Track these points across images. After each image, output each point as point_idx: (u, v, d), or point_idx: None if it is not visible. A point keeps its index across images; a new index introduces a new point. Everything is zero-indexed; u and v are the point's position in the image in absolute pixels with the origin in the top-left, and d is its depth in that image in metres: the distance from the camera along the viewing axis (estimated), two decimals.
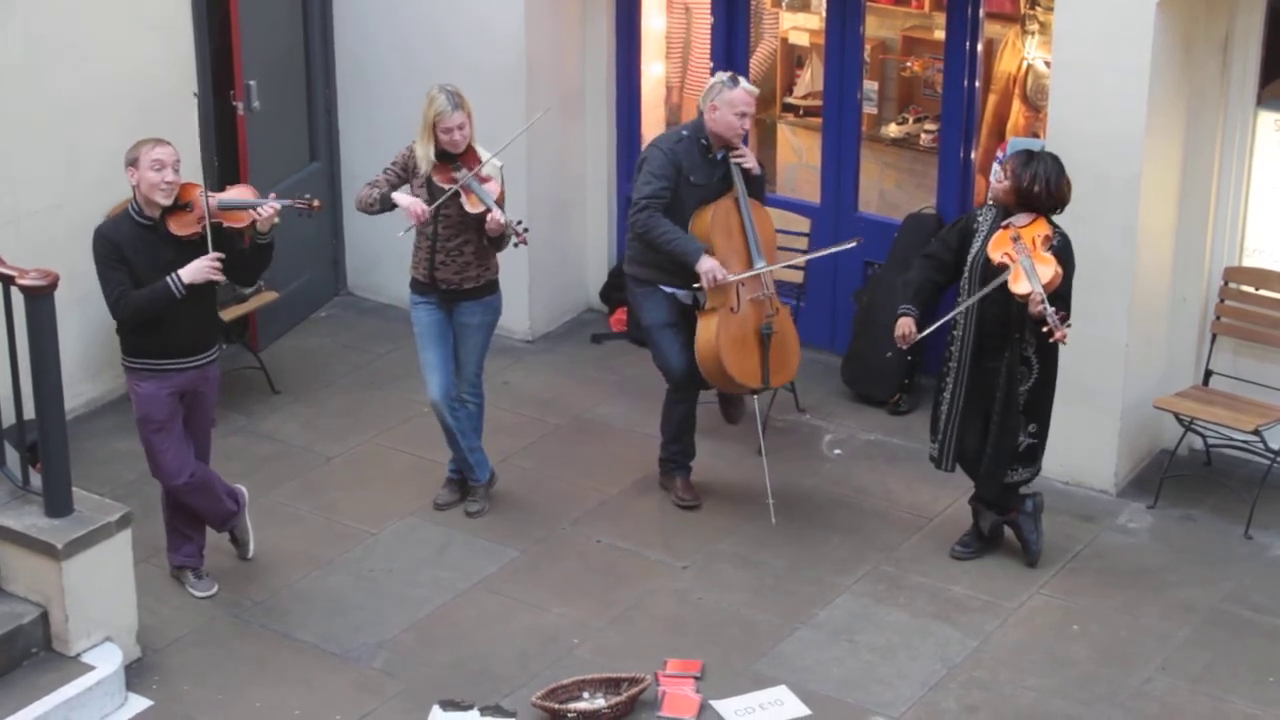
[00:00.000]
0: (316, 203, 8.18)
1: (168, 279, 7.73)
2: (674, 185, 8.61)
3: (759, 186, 8.83)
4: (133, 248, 7.77)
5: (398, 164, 8.59)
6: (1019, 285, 7.90)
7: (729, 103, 8.56)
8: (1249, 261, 9.19)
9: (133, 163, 7.76)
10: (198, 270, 7.74)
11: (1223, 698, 7.72)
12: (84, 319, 9.67)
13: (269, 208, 7.89)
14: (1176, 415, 9.05)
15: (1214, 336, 9.20)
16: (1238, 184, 9.09)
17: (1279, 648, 8.03)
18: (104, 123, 9.64)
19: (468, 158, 8.43)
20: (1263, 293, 9.08)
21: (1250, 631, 8.15)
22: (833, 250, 9.10)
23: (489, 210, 8.33)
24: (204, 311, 7.96)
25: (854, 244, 8.94)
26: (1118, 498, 9.16)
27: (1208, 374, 9.22)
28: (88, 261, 9.63)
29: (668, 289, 8.73)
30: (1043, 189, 8.03)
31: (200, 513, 8.28)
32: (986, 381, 8.30)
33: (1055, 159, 8.11)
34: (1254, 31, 8.85)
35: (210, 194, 7.84)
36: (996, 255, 8.03)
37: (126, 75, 9.72)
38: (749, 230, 8.67)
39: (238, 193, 8.06)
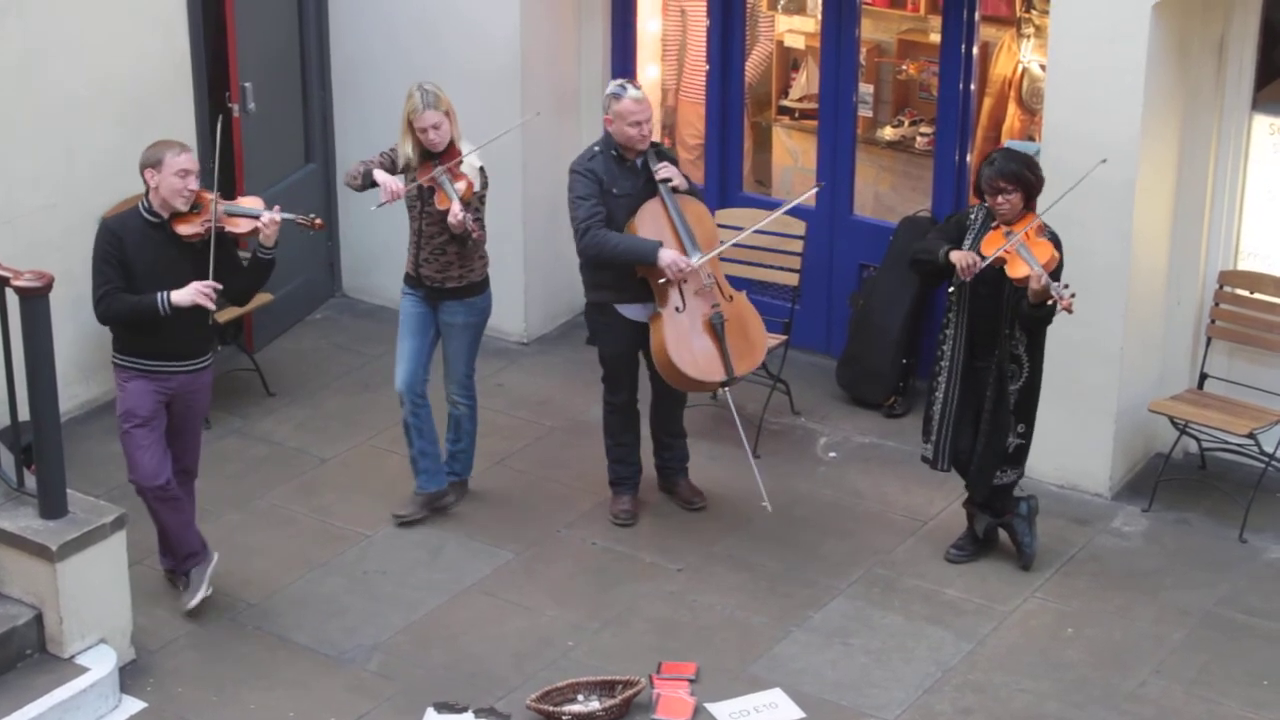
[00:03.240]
0: (319, 221, 8.16)
1: (157, 295, 7.69)
2: (603, 202, 8.55)
3: (694, 191, 8.73)
4: (136, 244, 7.76)
5: (394, 150, 8.65)
6: (1017, 270, 7.95)
7: (619, 114, 8.48)
8: (1244, 265, 9.20)
9: (154, 164, 7.73)
10: (188, 294, 7.71)
11: (1217, 701, 7.72)
12: (79, 320, 9.66)
13: (270, 217, 7.86)
14: (1171, 419, 9.06)
15: (1209, 340, 9.21)
16: (1233, 187, 9.09)
17: (1274, 651, 8.04)
18: (100, 122, 9.64)
19: (448, 156, 8.49)
20: (1257, 296, 9.08)
21: (1245, 635, 8.16)
22: (791, 205, 9.12)
23: (451, 205, 8.41)
24: (198, 318, 7.89)
25: (815, 189, 9.05)
26: (1112, 501, 9.17)
27: (1202, 377, 9.22)
28: (83, 261, 9.65)
29: (624, 310, 8.68)
30: (1035, 171, 8.13)
31: (163, 528, 8.12)
32: (978, 381, 8.33)
33: (1004, 151, 8.29)
34: (1249, 34, 8.86)
35: (220, 199, 7.84)
36: (991, 251, 8.06)
37: (123, 75, 9.72)
38: (678, 225, 8.55)
39: (247, 202, 8.04)
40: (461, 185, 8.47)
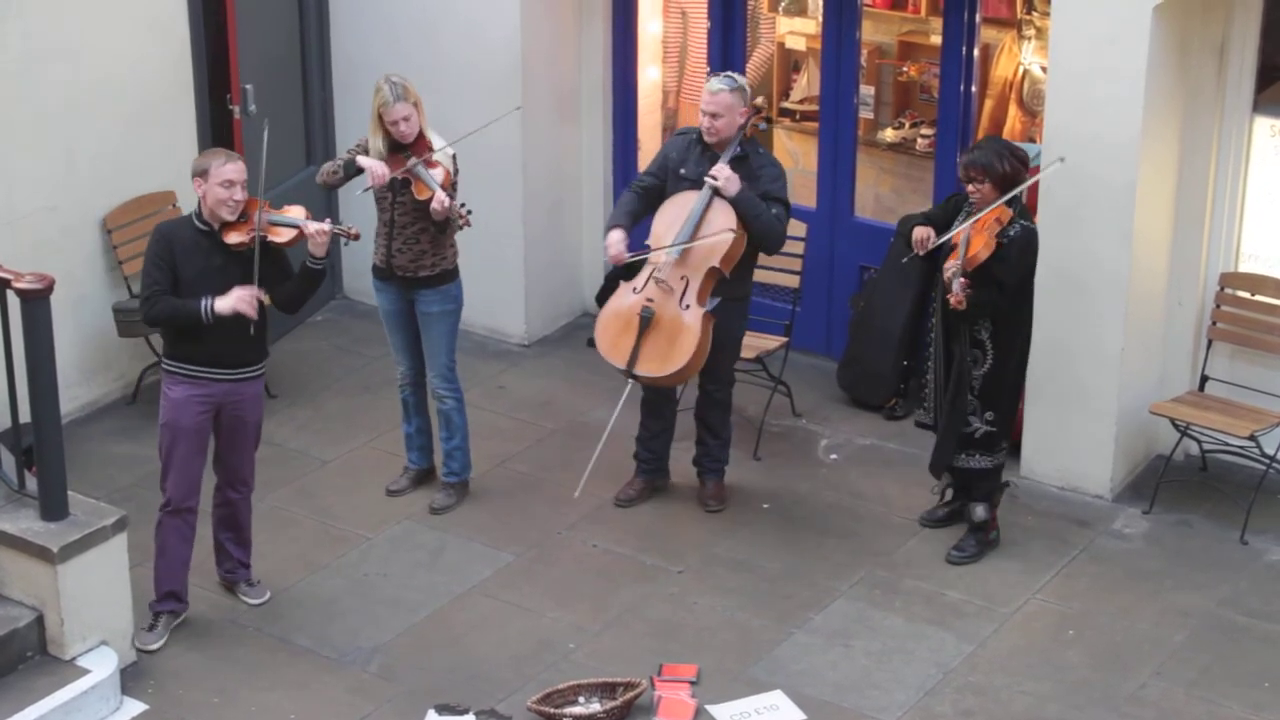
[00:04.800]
0: (355, 231, 8.15)
1: (201, 302, 7.69)
2: (661, 175, 8.72)
3: (744, 208, 8.50)
4: (184, 250, 7.75)
5: (362, 145, 8.70)
6: (955, 255, 8.15)
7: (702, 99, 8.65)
8: (1245, 267, 9.20)
9: (201, 174, 7.73)
10: (230, 302, 7.69)
11: (1218, 702, 7.72)
12: (80, 322, 9.68)
13: (317, 228, 7.83)
14: (1172, 420, 9.05)
15: (1210, 342, 9.21)
16: (1234, 189, 9.09)
17: (1274, 652, 8.04)
18: (100, 124, 9.64)
19: (418, 146, 8.55)
20: (1258, 298, 9.08)
21: (1246, 636, 8.16)
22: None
23: (434, 194, 8.42)
24: (244, 325, 7.81)
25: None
26: (1113, 503, 9.16)
27: (1203, 379, 9.22)
28: (84, 264, 9.69)
29: None
30: (1009, 163, 8.20)
31: (162, 550, 8.06)
32: (950, 363, 8.48)
33: (987, 139, 8.54)
34: (1250, 36, 8.85)
35: (266, 208, 7.84)
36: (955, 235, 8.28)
37: (123, 76, 9.72)
38: (688, 221, 8.54)
39: (294, 212, 8.02)
40: (439, 173, 8.54)
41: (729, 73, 8.82)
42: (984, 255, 8.08)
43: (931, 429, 8.84)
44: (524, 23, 10.29)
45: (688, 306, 8.60)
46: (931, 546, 8.78)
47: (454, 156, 8.71)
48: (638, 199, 8.76)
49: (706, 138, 8.59)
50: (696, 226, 8.54)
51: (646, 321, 8.62)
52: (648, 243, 8.72)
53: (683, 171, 8.65)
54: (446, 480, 9.15)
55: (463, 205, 8.55)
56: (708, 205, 8.53)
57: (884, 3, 10.56)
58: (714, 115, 8.52)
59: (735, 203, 8.51)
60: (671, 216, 8.62)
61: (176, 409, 7.88)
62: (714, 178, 8.50)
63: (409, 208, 8.64)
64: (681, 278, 8.60)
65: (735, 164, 8.54)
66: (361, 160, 8.58)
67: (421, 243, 8.70)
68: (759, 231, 8.53)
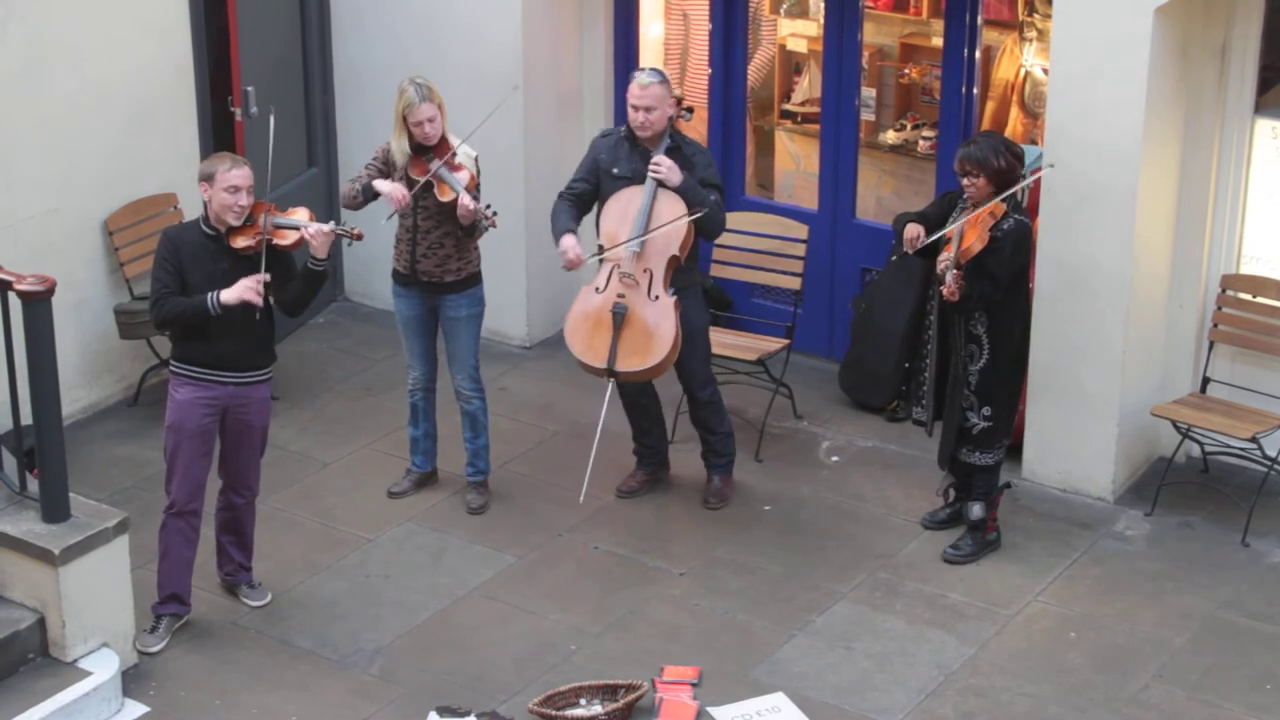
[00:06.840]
0: (357, 231, 8.14)
1: (207, 295, 7.69)
2: (592, 179, 8.74)
3: (689, 196, 8.54)
4: (191, 254, 7.76)
5: (378, 159, 8.72)
6: (949, 250, 8.18)
7: (628, 96, 8.61)
8: (1246, 269, 9.19)
9: (207, 179, 7.73)
10: (236, 291, 7.69)
11: (1219, 705, 7.72)
12: (81, 324, 9.68)
13: (317, 229, 7.83)
14: (1174, 422, 9.05)
15: (1211, 344, 9.21)
16: (1235, 191, 9.09)
17: (1276, 655, 8.03)
18: (102, 126, 9.65)
19: (441, 149, 8.56)
20: (1260, 300, 9.07)
21: (1247, 638, 8.15)
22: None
23: (459, 196, 8.42)
24: (254, 328, 7.84)
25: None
26: (1115, 505, 9.16)
27: (1205, 381, 9.22)
28: (85, 266, 9.69)
29: None
30: (1005, 159, 8.20)
31: (165, 553, 8.03)
32: (947, 358, 8.54)
33: (984, 135, 8.50)
34: (1252, 38, 8.85)
35: (272, 211, 7.84)
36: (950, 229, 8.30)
37: (124, 79, 9.73)
38: (639, 216, 8.57)
39: (299, 214, 8.02)
40: (464, 175, 8.54)
41: (653, 66, 8.85)
42: (977, 248, 8.12)
43: (924, 426, 8.82)
44: (525, 25, 10.30)
45: (656, 297, 8.64)
46: (933, 549, 8.78)
47: (476, 158, 8.71)
48: (573, 206, 8.76)
49: (640, 132, 8.60)
50: (648, 218, 8.56)
51: (620, 317, 8.63)
52: (600, 242, 8.74)
53: (615, 171, 8.67)
54: (475, 480, 9.15)
55: (488, 206, 8.55)
56: (654, 197, 8.57)
57: (885, 5, 10.57)
58: (648, 109, 8.54)
59: (680, 191, 8.57)
60: (619, 214, 8.65)
61: (182, 411, 7.88)
62: (657, 169, 8.54)
63: (432, 212, 8.63)
64: (645, 270, 8.63)
65: (670, 154, 8.61)
66: (379, 185, 8.57)
67: (446, 247, 8.69)
68: (704, 217, 8.59)
